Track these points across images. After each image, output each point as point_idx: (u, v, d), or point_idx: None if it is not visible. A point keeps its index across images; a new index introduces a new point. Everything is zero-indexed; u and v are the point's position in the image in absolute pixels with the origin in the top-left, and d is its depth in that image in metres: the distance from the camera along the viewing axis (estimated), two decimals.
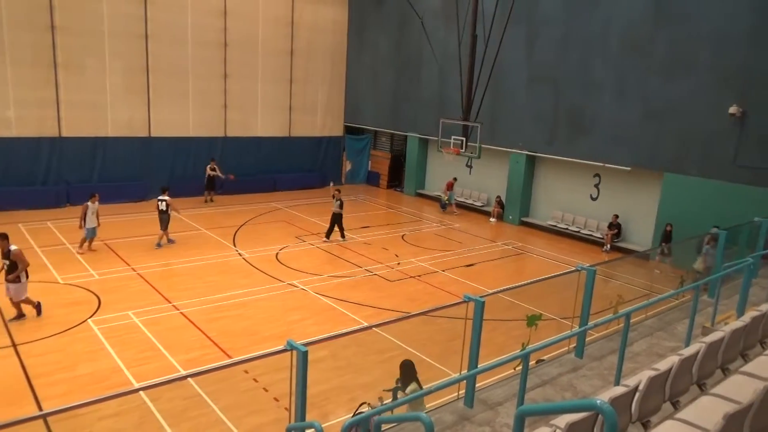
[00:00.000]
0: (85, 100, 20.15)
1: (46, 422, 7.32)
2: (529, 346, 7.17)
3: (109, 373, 9.14)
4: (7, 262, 10.78)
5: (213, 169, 21.83)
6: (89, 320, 11.00)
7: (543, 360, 8.07)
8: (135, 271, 13.90)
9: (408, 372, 7.08)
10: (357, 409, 7.02)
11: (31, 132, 19.31)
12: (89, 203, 15.02)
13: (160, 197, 15.98)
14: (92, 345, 10.04)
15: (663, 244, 16.31)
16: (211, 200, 21.95)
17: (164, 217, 15.78)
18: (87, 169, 20.59)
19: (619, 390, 4.75)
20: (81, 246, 15.13)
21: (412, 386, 6.90)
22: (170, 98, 22.05)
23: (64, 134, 19.94)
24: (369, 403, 7.03)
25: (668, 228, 16.19)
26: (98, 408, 7.58)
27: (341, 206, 17.26)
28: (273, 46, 24.50)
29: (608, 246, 18.23)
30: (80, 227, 15.09)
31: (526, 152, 20.68)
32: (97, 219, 15.09)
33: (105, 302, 11.88)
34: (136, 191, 21.34)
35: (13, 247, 10.86)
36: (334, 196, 17.38)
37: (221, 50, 23.01)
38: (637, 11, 16.94)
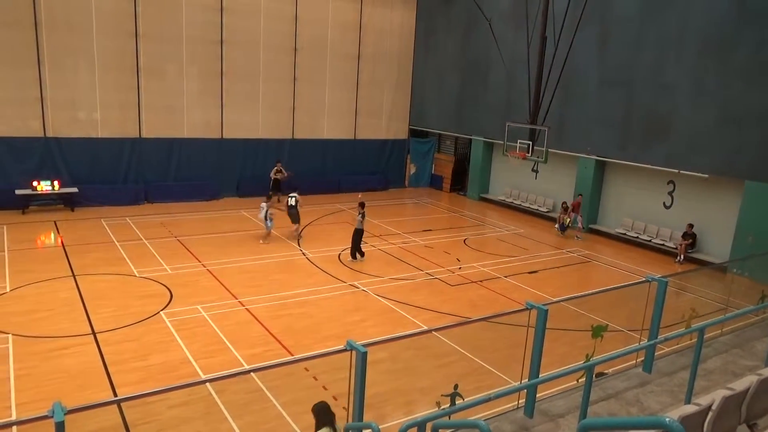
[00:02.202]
0: (164, 103, 21.23)
1: (120, 407, 7.77)
2: (594, 357, 6.95)
3: (179, 363, 9.57)
4: None
5: (279, 171, 22.12)
6: (161, 312, 11.56)
7: (605, 373, 7.80)
8: (205, 267, 14.49)
9: (321, 416, 5.83)
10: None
11: (114, 133, 20.54)
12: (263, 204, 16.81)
13: (290, 194, 17.54)
14: (164, 336, 10.54)
15: None
16: (278, 201, 21.80)
17: (294, 212, 17.36)
18: (163, 169, 21.67)
19: (690, 409, 4.53)
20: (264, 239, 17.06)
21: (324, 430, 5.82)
22: (242, 101, 22.86)
23: (144, 135, 21.07)
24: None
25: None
26: (168, 396, 7.96)
27: (363, 221, 15.74)
28: (341, 51, 24.94)
29: (682, 257, 17.36)
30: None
31: (596, 157, 20.02)
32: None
33: (176, 296, 12.45)
34: (208, 190, 22.26)
35: None
36: (359, 211, 15.79)
37: (291, 55, 23.63)
38: (717, 9, 16.07)
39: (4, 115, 18.61)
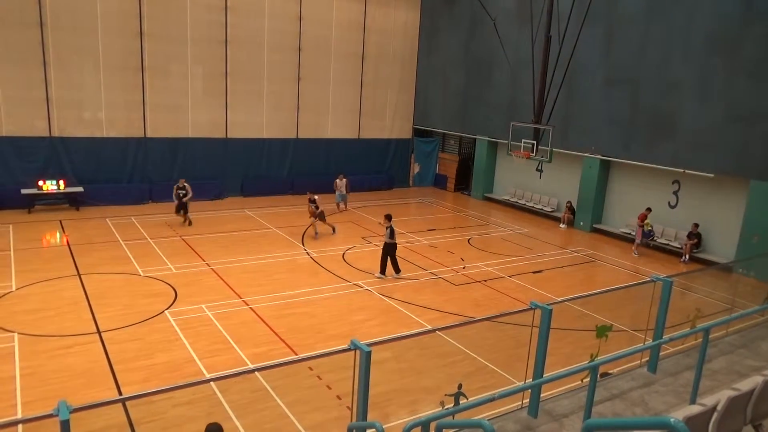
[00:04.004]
0: (169, 103, 21.28)
1: (124, 406, 7.80)
2: (599, 357, 6.93)
3: (183, 363, 9.59)
4: None
5: (182, 188, 18.44)
6: (166, 311, 11.59)
7: (609, 374, 7.77)
8: (209, 266, 14.52)
9: None
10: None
11: (119, 132, 20.61)
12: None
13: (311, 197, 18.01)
14: (168, 335, 10.57)
15: None
16: (189, 223, 18.30)
17: (320, 212, 17.78)
18: (168, 168, 21.71)
19: (695, 409, 4.51)
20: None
21: None
22: (246, 101, 22.89)
23: (149, 135, 21.12)
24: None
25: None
26: (172, 395, 7.98)
27: (393, 235, 14.36)
28: (345, 50, 24.94)
29: (687, 256, 17.30)
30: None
31: (600, 157, 19.97)
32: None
33: (181, 295, 12.48)
34: (212, 190, 22.30)
35: None
36: (384, 225, 14.58)
37: (295, 54, 23.65)
38: (724, 7, 15.99)
39: (11, 115, 18.70)
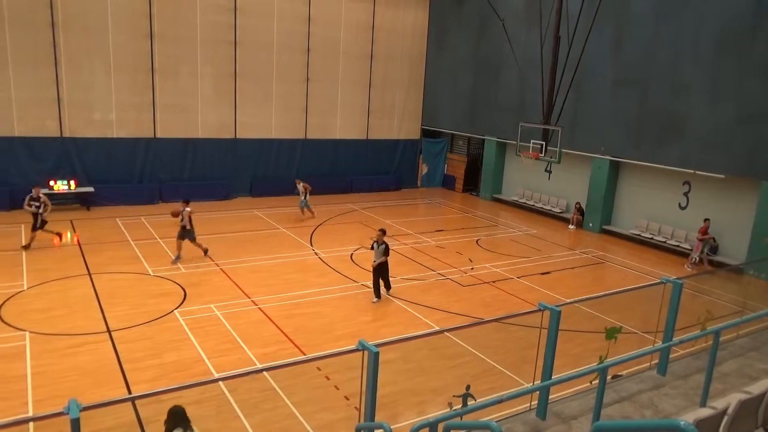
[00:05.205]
0: (178, 103, 21.40)
1: (134, 405, 7.85)
2: (608, 359, 6.89)
3: (192, 362, 9.64)
4: None
5: (36, 199, 15.01)
6: (176, 311, 11.65)
7: (620, 375, 7.73)
8: (218, 266, 14.58)
9: (176, 419, 5.99)
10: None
11: (129, 133, 20.75)
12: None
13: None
14: (177, 335, 10.63)
15: None
16: (27, 246, 15.05)
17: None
18: (178, 169, 21.84)
19: (705, 412, 4.48)
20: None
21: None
22: (255, 102, 22.98)
23: (159, 135, 21.25)
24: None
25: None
26: (181, 395, 7.97)
27: (387, 252, 12.73)
28: (353, 51, 24.97)
29: (697, 258, 17.16)
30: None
31: (610, 158, 19.87)
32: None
33: (190, 295, 12.54)
34: (221, 190, 22.41)
35: None
36: (377, 240, 12.77)
37: (304, 55, 23.71)
38: (734, 7, 15.86)
39: (23, 116, 18.87)
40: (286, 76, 23.45)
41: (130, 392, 8.64)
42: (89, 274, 13.46)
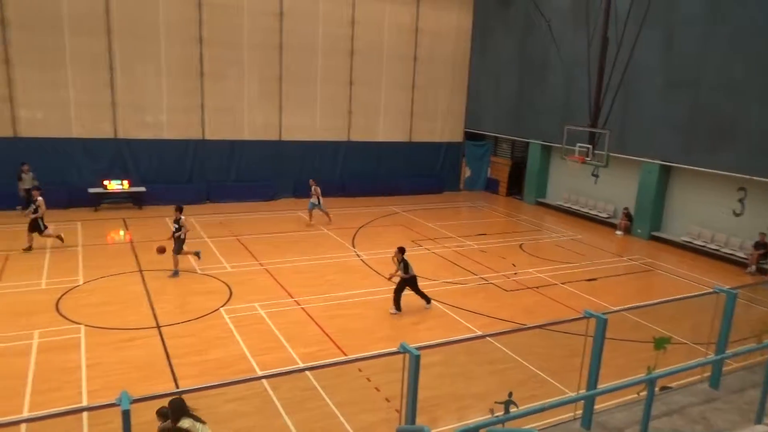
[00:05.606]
0: (226, 106, 21.93)
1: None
2: (657, 370, 6.69)
3: (236, 359, 9.85)
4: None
5: (34, 201, 14.76)
6: (221, 309, 11.94)
7: (669, 387, 7.49)
8: (262, 266, 14.85)
9: (180, 410, 6.26)
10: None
11: (179, 135, 21.39)
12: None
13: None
14: (222, 332, 10.88)
15: None
16: (29, 248, 14.85)
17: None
18: (224, 170, 22.38)
19: (760, 429, 4.30)
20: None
21: (186, 422, 6.25)
22: (299, 104, 23.32)
23: (207, 137, 21.83)
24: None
25: None
26: (225, 391, 8.18)
27: (407, 268, 12.14)
28: (397, 53, 25.04)
29: (753, 267, 16.46)
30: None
31: (660, 162, 19.27)
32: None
33: (235, 293, 12.82)
34: (266, 191, 22.82)
35: None
36: (397, 258, 12.30)
37: (348, 58, 23.92)
38: None
39: (80, 118, 19.72)
40: (330, 79, 23.71)
41: (177, 386, 8.88)
42: (140, 271, 13.94)
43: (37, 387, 8.62)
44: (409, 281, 12.24)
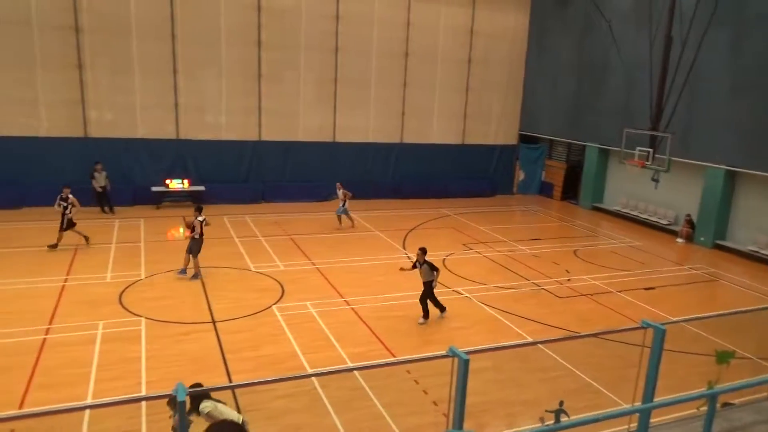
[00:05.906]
0: (282, 108, 22.43)
1: (233, 393, 8.31)
2: (719, 385, 6.40)
3: (287, 356, 10.05)
4: None
5: (65, 200, 15.11)
6: (273, 306, 12.21)
7: (731, 404, 7.15)
8: (314, 265, 15.09)
9: (196, 396, 6.23)
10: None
11: (237, 136, 22.04)
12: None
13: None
14: (274, 329, 11.13)
15: None
16: (54, 246, 15.09)
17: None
18: (280, 170, 22.89)
19: None
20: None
21: (208, 404, 6.26)
22: (354, 106, 23.59)
23: (264, 138, 22.38)
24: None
25: None
26: (276, 387, 8.40)
27: (433, 269, 11.80)
28: (451, 55, 24.93)
29: None
30: None
31: (725, 167, 18.39)
32: None
33: (287, 291, 13.09)
34: (320, 192, 23.17)
35: None
36: (418, 261, 11.92)
37: (402, 60, 24.00)
38: None
39: (145, 119, 20.63)
40: (384, 81, 23.86)
41: (230, 380, 9.16)
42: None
43: (100, 375, 9.07)
44: (425, 284, 11.82)
